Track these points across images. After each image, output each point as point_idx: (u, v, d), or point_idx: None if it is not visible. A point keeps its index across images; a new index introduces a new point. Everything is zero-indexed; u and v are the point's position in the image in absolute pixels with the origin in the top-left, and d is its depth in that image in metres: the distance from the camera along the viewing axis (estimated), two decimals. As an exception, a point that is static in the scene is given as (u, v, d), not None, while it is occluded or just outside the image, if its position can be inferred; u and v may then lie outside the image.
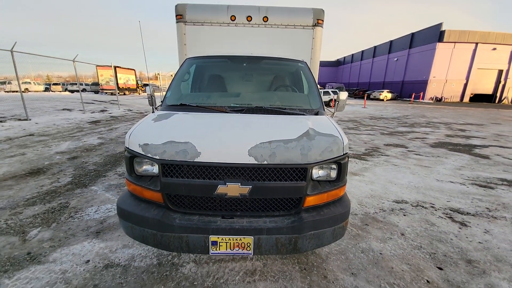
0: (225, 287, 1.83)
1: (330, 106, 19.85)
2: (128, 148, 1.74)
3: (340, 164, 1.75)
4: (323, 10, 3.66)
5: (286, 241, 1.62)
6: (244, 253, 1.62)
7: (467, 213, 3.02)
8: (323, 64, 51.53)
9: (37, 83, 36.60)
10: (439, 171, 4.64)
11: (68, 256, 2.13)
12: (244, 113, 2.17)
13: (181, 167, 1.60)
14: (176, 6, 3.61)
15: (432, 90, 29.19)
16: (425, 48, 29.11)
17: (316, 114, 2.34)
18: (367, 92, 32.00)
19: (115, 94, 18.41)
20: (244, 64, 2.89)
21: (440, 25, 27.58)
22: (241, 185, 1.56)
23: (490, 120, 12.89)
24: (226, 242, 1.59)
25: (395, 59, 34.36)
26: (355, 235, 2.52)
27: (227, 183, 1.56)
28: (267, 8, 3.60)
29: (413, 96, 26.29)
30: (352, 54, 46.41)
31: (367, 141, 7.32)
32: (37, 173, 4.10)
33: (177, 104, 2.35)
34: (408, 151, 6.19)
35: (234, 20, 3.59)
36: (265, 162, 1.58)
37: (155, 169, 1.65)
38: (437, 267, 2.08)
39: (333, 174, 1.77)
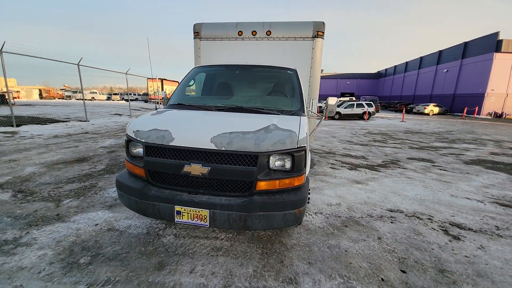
0: (191, 256, 2.14)
1: (364, 119, 18.94)
2: (126, 133, 2.24)
3: (294, 155, 1.95)
4: (323, 23, 3.89)
5: (237, 217, 1.87)
6: (202, 224, 1.92)
7: (468, 228, 2.78)
8: (361, 76, 49.40)
9: (102, 93, 43.25)
10: (459, 187, 4.23)
11: (84, 220, 2.71)
12: (225, 112, 2.54)
13: (159, 149, 2.01)
14: (194, 25, 4.26)
15: (490, 105, 25.45)
16: (480, 59, 25.81)
17: (293, 115, 2.56)
18: (410, 106, 29.47)
19: (161, 103, 20.77)
20: (237, 72, 3.28)
21: (496, 34, 24.36)
22: (202, 166, 1.90)
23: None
24: (188, 213, 1.92)
25: (445, 70, 31.12)
26: (329, 233, 2.59)
27: (191, 164, 1.91)
28: (270, 23, 3.99)
29: (465, 110, 23.28)
30: (395, 66, 43.53)
31: (389, 153, 6.94)
32: (82, 161, 5.06)
33: (176, 104, 2.84)
34: (433, 165, 5.71)
35: (241, 35, 4.06)
36: (223, 148, 1.90)
37: (142, 150, 2.10)
38: (400, 270, 2.05)
39: (288, 164, 1.97)
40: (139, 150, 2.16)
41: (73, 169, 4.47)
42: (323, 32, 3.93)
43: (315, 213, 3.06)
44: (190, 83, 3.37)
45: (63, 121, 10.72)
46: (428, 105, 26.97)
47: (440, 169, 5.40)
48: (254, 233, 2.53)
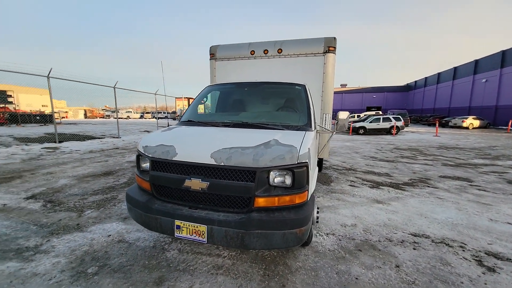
0: (191, 272, 2.11)
1: (392, 134, 17.88)
2: (137, 149, 2.38)
3: (294, 171, 1.89)
4: (334, 38, 3.88)
5: (234, 234, 1.82)
6: (200, 240, 1.90)
7: (506, 258, 2.37)
8: (389, 89, 47.32)
9: (136, 112, 47.25)
10: (500, 210, 3.68)
11: (99, 230, 2.86)
12: (231, 127, 2.58)
13: (163, 164, 2.09)
14: (210, 47, 4.53)
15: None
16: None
17: (299, 129, 2.52)
18: (445, 119, 27.19)
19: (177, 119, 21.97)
20: (246, 89, 3.36)
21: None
22: (201, 180, 1.92)
23: None
24: (187, 228, 1.93)
25: (484, 80, 28.55)
26: (339, 257, 2.38)
27: (191, 178, 1.95)
28: (282, 42, 4.09)
29: (510, 123, 20.72)
30: (426, 78, 41.09)
31: (418, 171, 6.37)
32: (108, 174, 5.45)
33: (186, 120, 2.97)
34: (470, 185, 5.09)
35: (254, 54, 4.21)
36: (222, 164, 1.91)
37: (149, 165, 2.20)
38: (420, 305, 1.79)
39: (288, 181, 1.91)
40: (147, 165, 2.26)
41: (99, 182, 4.81)
42: (334, 47, 3.91)
43: (327, 234, 2.87)
44: (203, 101, 3.52)
45: (99, 138, 11.81)
46: (466, 118, 24.63)
47: (479, 189, 4.78)
48: (258, 252, 2.43)
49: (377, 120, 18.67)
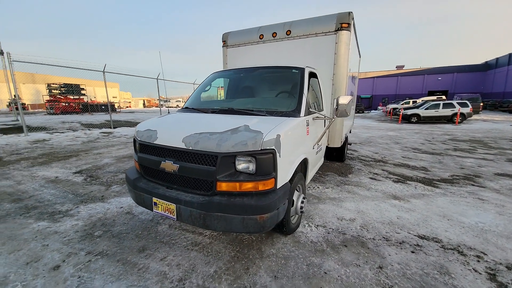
0: (171, 245, 2.33)
1: (454, 122, 15.17)
2: (134, 134, 2.67)
3: (256, 158, 1.86)
4: (349, 13, 3.47)
5: (197, 214, 1.93)
6: (171, 217, 2.07)
7: (537, 279, 1.87)
8: (459, 69, 39.34)
9: (184, 101, 51.48)
10: None
11: (116, 202, 3.35)
12: (216, 113, 2.64)
13: (146, 146, 2.31)
14: (222, 35, 4.57)
15: None
16: None
17: (284, 115, 2.42)
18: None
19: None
20: (241, 75, 3.32)
21: None
22: (173, 163, 2.06)
23: None
24: (161, 205, 2.12)
25: None
26: (318, 250, 2.27)
27: (166, 161, 2.11)
28: (291, 23, 3.85)
29: None
30: (510, 54, 32.69)
31: (468, 166, 5.35)
32: (142, 156, 6.21)
33: (185, 107, 3.14)
34: (536, 187, 4.05)
35: (262, 38, 4.08)
36: (190, 148, 2.00)
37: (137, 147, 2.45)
38: (385, 311, 1.60)
39: (252, 167, 1.89)
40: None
41: (132, 162, 5.54)
42: (348, 24, 3.48)
43: (317, 225, 2.74)
44: (206, 88, 3.64)
45: (147, 125, 13.40)
46: None
47: (547, 193, 3.78)
48: (238, 235, 2.51)
49: (435, 106, 15.99)
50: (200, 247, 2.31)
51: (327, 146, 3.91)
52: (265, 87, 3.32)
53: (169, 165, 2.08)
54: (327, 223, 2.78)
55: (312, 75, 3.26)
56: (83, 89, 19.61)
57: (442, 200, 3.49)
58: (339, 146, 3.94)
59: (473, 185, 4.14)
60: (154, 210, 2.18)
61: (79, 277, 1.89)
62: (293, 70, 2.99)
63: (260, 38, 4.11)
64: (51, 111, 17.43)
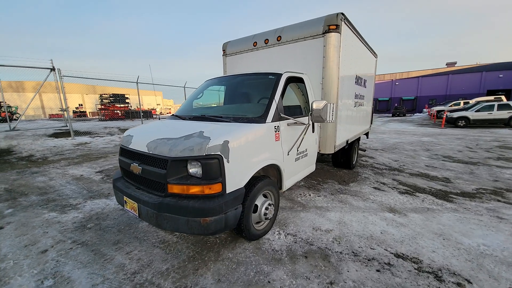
0: (141, 241, 2.54)
1: (511, 126, 12.88)
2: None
3: (201, 163, 1.95)
4: (337, 15, 3.35)
5: (151, 214, 2.09)
6: (135, 214, 2.28)
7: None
8: (502, 66, 32.96)
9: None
10: None
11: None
12: (189, 120, 2.81)
13: (123, 150, 2.59)
14: (222, 44, 4.79)
15: None
16: None
17: (249, 122, 2.47)
18: None
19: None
20: (224, 82, 3.43)
21: None
22: (138, 165, 2.28)
23: None
24: (129, 203, 2.34)
25: None
26: (275, 259, 2.22)
27: (133, 163, 2.34)
28: (282, 29, 3.86)
29: None
30: None
31: (507, 179, 4.53)
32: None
33: (172, 115, 3.40)
34: None
35: (256, 45, 4.17)
36: (150, 152, 2.20)
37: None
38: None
39: (199, 172, 1.99)
40: (123, 151, 2.82)
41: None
42: (337, 25, 3.34)
43: (288, 234, 2.67)
44: (199, 96, 3.86)
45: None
46: None
47: None
48: (204, 238, 2.60)
49: (489, 107, 13.78)
50: (166, 245, 2.47)
51: (319, 152, 3.76)
52: (245, 94, 3.39)
53: (135, 167, 2.30)
54: (299, 232, 2.69)
55: (295, 79, 3.23)
56: (127, 98, 22.29)
57: (448, 216, 3.05)
58: (332, 152, 3.75)
59: (498, 201, 3.52)
60: (125, 208, 2.43)
61: (57, 261, 2.21)
62: (270, 76, 3.00)
63: (254, 45, 4.19)
64: (102, 117, 20.15)
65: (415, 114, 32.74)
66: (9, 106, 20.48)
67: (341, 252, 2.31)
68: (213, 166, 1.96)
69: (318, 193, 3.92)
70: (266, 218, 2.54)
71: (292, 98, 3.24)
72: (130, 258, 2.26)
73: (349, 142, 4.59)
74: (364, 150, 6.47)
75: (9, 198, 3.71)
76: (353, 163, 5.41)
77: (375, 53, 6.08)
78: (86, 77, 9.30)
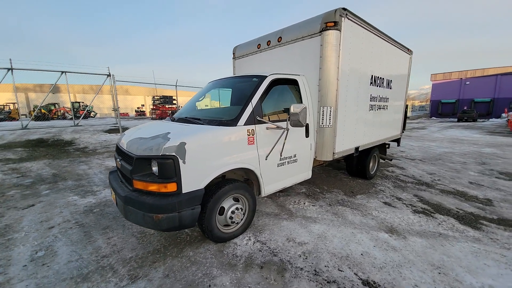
0: (125, 229, 2.82)
1: None
2: (125, 136, 3.38)
3: (157, 162, 2.08)
4: (335, 11, 3.09)
5: (120, 205, 2.32)
6: (115, 204, 2.56)
7: None
8: None
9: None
10: None
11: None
12: (175, 122, 2.99)
13: (116, 147, 2.92)
14: (233, 48, 4.92)
15: None
16: None
17: (221, 124, 2.51)
18: None
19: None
20: (218, 85, 3.51)
21: None
22: (119, 161, 2.55)
23: None
24: (112, 194, 2.64)
25: None
26: (231, 264, 2.19)
27: (118, 158, 2.63)
28: (282, 30, 3.76)
29: None
30: None
31: None
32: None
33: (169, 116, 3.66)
34: None
35: (260, 47, 4.16)
36: (126, 149, 2.44)
37: None
38: None
39: (157, 170, 2.12)
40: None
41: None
42: (335, 22, 3.06)
43: (258, 241, 2.59)
44: (200, 98, 4.05)
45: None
46: None
47: None
48: (177, 233, 2.73)
49: None
50: (142, 235, 2.70)
51: (315, 159, 3.52)
52: (233, 96, 3.40)
53: (118, 162, 2.58)
54: (270, 241, 2.59)
55: (286, 81, 3.11)
56: (174, 99, 24.75)
57: (463, 246, 2.49)
58: (330, 159, 3.46)
59: (553, 236, 2.69)
60: (112, 198, 2.74)
61: (55, 237, 2.65)
62: (253, 79, 2.96)
63: (257, 47, 4.18)
64: (153, 116, 22.81)
65: (490, 120, 27.18)
66: (86, 106, 25.00)
67: (301, 269, 2.14)
68: (168, 166, 2.06)
69: (315, 202, 3.67)
70: (232, 222, 2.53)
71: (286, 101, 3.12)
72: (108, 243, 2.55)
73: (360, 150, 4.14)
74: (391, 159, 5.71)
75: (52, 182, 4.57)
76: (371, 172, 4.85)
77: (407, 49, 5.32)
78: (133, 82, 10.71)
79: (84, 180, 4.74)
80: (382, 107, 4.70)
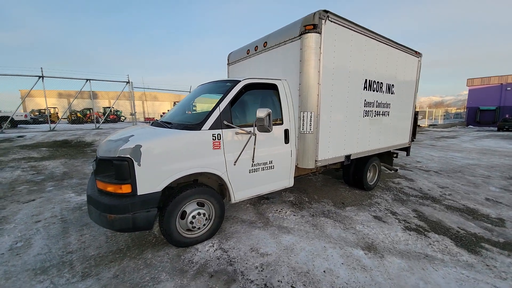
0: (100, 227, 2.93)
1: None
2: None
3: (114, 164, 2.15)
4: (314, 14, 2.99)
5: (86, 203, 2.42)
6: (87, 203, 2.68)
7: None
8: None
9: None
10: None
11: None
12: (151, 126, 3.08)
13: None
14: (227, 55, 4.99)
15: None
16: None
17: (186, 128, 2.53)
18: None
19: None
20: (201, 89, 3.57)
21: None
22: (95, 162, 2.69)
23: None
24: (88, 193, 2.78)
25: None
26: (182, 271, 2.15)
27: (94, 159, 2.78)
28: (268, 35, 3.73)
29: None
30: None
31: None
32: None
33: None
34: None
35: (249, 53, 4.17)
36: (97, 150, 2.56)
37: None
38: None
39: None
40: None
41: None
42: (314, 25, 2.95)
43: (220, 248, 2.52)
44: (192, 102, 4.13)
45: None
46: None
47: None
48: (145, 234, 2.77)
49: None
50: (113, 234, 2.78)
51: (296, 166, 3.37)
52: (213, 100, 3.41)
53: (94, 164, 2.73)
54: (232, 249, 2.51)
55: (263, 86, 3.07)
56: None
57: (449, 272, 2.17)
58: (313, 167, 3.29)
59: None
60: (88, 196, 2.88)
61: (37, 230, 2.84)
62: (227, 84, 2.95)
63: (247, 53, 4.19)
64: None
65: (539, 129, 23.91)
66: (117, 110, 27.02)
67: (251, 281, 2.02)
68: (122, 168, 2.12)
69: (297, 212, 3.50)
70: (193, 227, 2.50)
71: (266, 106, 3.04)
72: (79, 239, 2.67)
73: (353, 158, 3.88)
74: (396, 170, 5.26)
75: (59, 179, 4.97)
76: (370, 183, 4.51)
77: (415, 52, 4.93)
78: (148, 88, 11.42)
79: (87, 179, 5.07)
80: (381, 113, 4.38)
